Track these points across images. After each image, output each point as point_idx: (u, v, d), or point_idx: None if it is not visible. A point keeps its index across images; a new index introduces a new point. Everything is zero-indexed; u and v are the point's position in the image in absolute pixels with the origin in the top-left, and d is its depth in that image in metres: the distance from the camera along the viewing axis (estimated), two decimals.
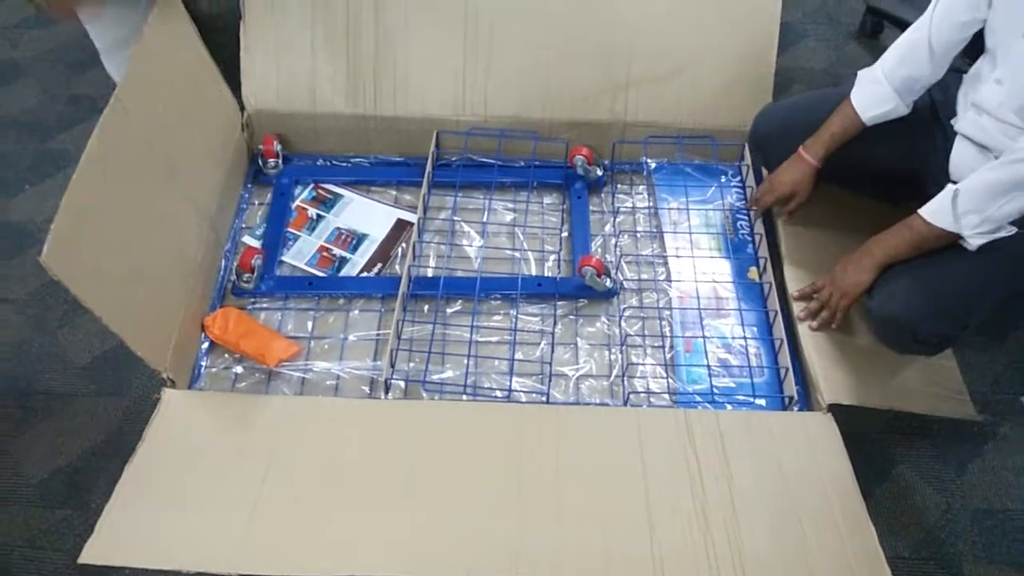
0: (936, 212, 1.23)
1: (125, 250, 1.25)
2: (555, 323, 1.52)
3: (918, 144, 1.40)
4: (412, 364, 1.46)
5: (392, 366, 1.40)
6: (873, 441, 1.42)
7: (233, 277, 1.54)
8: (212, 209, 1.54)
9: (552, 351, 1.47)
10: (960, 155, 1.30)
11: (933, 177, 1.34)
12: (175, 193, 1.42)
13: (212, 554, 1.11)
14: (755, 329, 1.49)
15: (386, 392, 1.39)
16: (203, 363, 1.42)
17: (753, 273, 1.57)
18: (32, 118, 1.95)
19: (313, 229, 1.65)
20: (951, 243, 1.23)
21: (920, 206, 1.26)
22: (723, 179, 1.72)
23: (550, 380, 1.43)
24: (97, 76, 2.04)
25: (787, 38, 2.11)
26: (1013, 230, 1.20)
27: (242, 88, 1.70)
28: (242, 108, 1.70)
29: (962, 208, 1.19)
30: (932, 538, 1.33)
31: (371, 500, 1.18)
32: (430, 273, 1.60)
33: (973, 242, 1.21)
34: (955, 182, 1.23)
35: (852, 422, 1.31)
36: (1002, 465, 1.41)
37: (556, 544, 1.13)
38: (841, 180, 1.57)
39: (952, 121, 1.32)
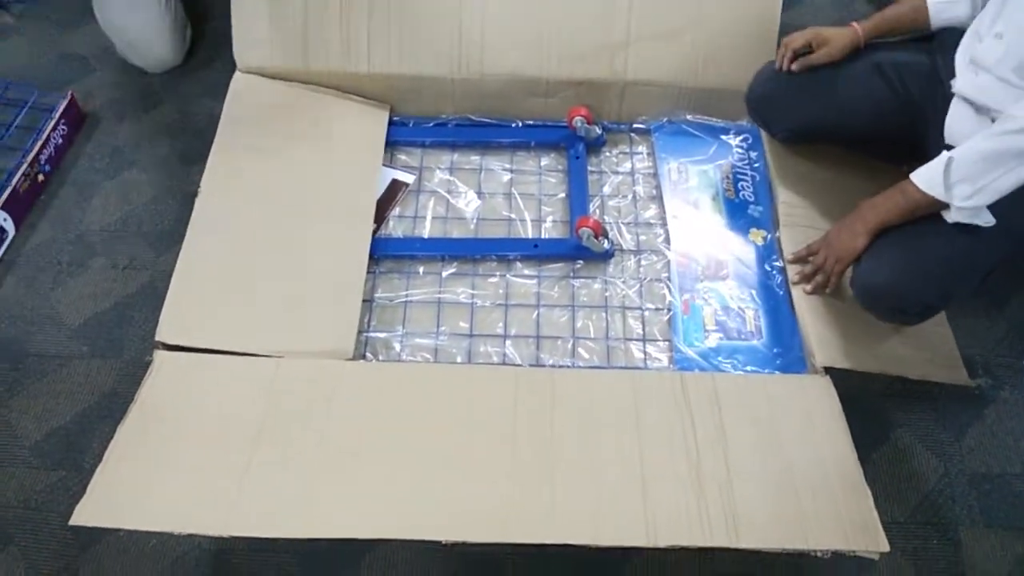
0: (928, 179, 1.20)
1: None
2: (551, 285, 1.50)
3: (917, 104, 1.36)
4: (406, 327, 1.45)
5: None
6: (871, 404, 1.41)
7: None
8: None
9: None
10: (956, 117, 1.27)
11: (933, 140, 1.31)
12: None
13: (203, 516, 1.11)
14: (754, 292, 1.47)
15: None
16: None
17: (755, 234, 1.54)
18: (22, 77, 1.91)
19: None
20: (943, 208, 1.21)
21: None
22: (724, 137, 1.69)
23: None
24: (88, 33, 2.01)
25: None
26: (992, 220, 1.18)
27: (233, 47, 1.67)
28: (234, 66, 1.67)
29: (955, 177, 1.16)
30: (929, 502, 1.32)
31: (363, 462, 1.18)
32: (425, 234, 1.58)
33: (954, 216, 1.18)
34: (950, 146, 1.20)
35: (850, 385, 1.29)
36: (1002, 429, 1.39)
37: (549, 506, 1.12)
38: (841, 140, 1.54)
39: (951, 81, 1.28)
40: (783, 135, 1.57)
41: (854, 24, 1.41)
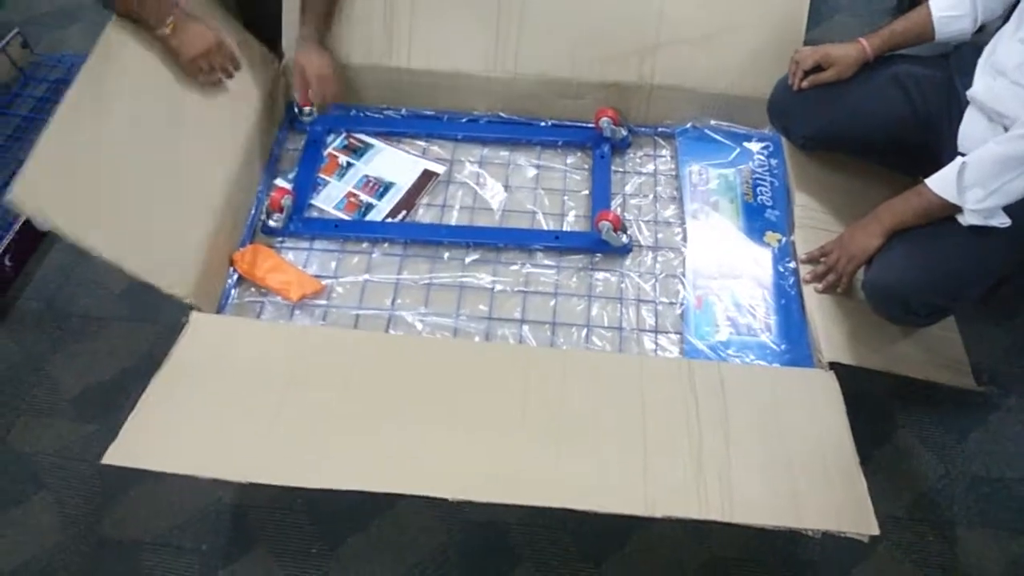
0: (941, 183, 1.24)
1: (124, 187, 1.34)
2: (570, 275, 1.56)
3: (934, 115, 1.40)
4: (428, 307, 1.51)
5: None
6: (877, 404, 1.44)
7: (263, 216, 1.59)
8: (238, 152, 1.59)
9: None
10: (969, 125, 1.30)
11: (948, 151, 1.35)
12: (188, 134, 1.49)
13: (226, 463, 1.17)
14: (767, 291, 1.51)
15: None
16: (231, 295, 1.48)
17: (771, 237, 1.58)
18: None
19: (343, 175, 1.70)
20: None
21: None
22: (746, 144, 1.74)
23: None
24: None
25: (821, 12, 2.11)
26: (1008, 221, 1.21)
27: (282, 39, 1.76)
28: (280, 57, 1.76)
29: (968, 181, 1.20)
30: (928, 501, 1.35)
31: (380, 420, 1.24)
32: (453, 222, 1.65)
33: (968, 219, 1.22)
34: (963, 154, 1.24)
35: (856, 384, 1.32)
36: (1004, 435, 1.41)
37: (552, 473, 1.17)
38: (858, 148, 1.58)
39: (967, 90, 1.32)
40: (802, 141, 1.61)
41: (862, 40, 1.45)
